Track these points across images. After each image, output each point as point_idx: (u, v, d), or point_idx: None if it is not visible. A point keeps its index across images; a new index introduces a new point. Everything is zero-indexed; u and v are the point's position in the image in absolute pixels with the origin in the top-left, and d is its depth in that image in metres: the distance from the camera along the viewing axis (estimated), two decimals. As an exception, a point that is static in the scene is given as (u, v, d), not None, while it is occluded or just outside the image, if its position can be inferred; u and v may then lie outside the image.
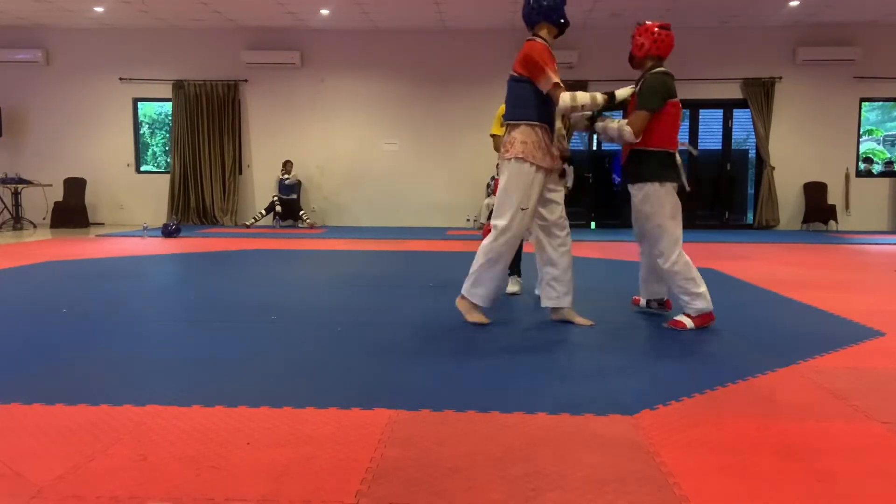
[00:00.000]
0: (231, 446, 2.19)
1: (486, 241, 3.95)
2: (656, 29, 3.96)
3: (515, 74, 3.83)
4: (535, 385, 2.89)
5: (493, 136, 4.86)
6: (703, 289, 3.89)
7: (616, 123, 3.95)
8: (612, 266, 7.11)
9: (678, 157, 3.96)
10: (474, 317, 4.02)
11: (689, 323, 3.92)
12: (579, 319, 4.06)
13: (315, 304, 4.76)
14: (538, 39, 3.85)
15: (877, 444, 2.25)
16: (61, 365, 3.17)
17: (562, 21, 3.90)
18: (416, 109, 12.46)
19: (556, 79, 3.74)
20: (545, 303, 4.10)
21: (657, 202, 3.91)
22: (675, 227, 3.93)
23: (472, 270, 3.97)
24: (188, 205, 12.77)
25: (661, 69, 3.96)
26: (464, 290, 4.02)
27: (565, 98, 3.70)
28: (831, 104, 12.12)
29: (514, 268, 5.09)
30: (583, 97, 3.75)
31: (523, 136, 3.82)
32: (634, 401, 2.63)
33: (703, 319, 3.92)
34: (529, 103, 3.82)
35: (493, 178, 12.41)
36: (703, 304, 3.89)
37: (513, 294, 5.04)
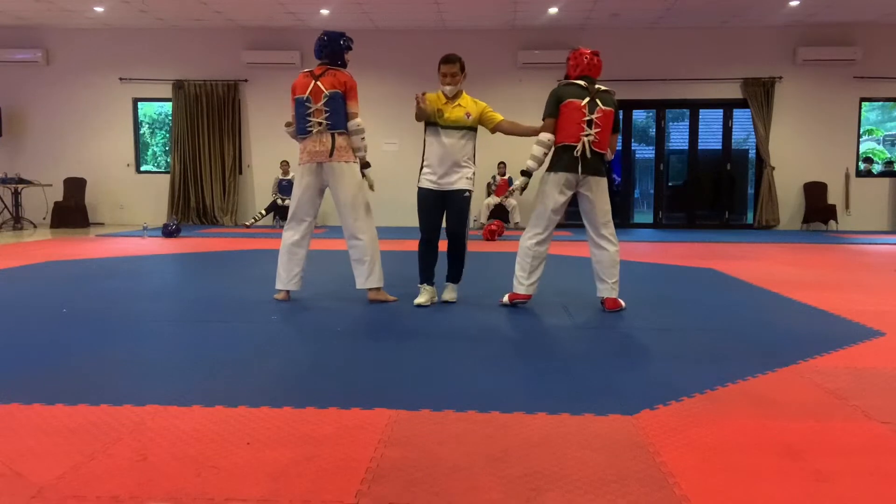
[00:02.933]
0: (231, 446, 2.18)
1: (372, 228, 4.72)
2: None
3: (340, 93, 4.57)
4: (535, 385, 2.89)
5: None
6: (527, 281, 4.50)
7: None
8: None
9: (575, 152, 4.38)
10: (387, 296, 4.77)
11: (506, 299, 4.61)
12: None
13: (315, 303, 4.76)
14: (347, 72, 4.68)
15: (877, 444, 2.25)
16: (61, 365, 3.17)
17: (339, 63, 4.70)
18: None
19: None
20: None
21: (541, 185, 4.51)
22: (541, 211, 4.45)
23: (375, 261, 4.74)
24: (188, 205, 12.77)
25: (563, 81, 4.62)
26: (379, 283, 4.69)
27: (360, 121, 4.68)
28: (831, 104, 12.12)
29: (427, 276, 4.70)
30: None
31: (348, 143, 4.65)
32: (634, 401, 2.63)
33: (514, 298, 4.58)
34: (345, 117, 4.63)
35: (493, 178, 12.47)
36: (521, 289, 4.53)
37: (420, 305, 4.60)
